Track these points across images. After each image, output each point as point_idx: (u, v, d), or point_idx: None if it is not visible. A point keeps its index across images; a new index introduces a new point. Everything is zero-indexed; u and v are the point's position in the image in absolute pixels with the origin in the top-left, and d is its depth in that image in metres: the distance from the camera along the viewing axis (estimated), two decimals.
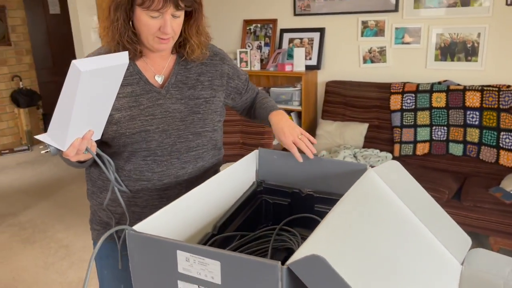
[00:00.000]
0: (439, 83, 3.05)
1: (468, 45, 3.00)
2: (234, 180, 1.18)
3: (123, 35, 1.08)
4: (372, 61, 3.38)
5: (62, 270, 2.60)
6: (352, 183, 0.94)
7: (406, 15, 3.16)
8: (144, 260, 0.79)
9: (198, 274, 0.74)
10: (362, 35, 3.37)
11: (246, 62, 3.69)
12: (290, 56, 3.61)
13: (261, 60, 3.76)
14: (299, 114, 3.57)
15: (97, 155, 1.00)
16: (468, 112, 2.87)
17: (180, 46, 1.17)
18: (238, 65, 3.70)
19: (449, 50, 3.07)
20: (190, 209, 0.98)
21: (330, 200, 1.19)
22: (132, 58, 1.13)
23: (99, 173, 1.21)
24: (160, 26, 1.05)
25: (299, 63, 3.48)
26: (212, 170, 1.27)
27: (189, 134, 1.15)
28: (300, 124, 3.58)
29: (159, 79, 1.17)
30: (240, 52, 3.69)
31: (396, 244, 0.86)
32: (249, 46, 3.84)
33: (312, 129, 3.58)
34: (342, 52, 3.50)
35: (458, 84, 3.00)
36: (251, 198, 1.24)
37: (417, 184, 1.11)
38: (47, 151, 0.95)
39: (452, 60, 3.07)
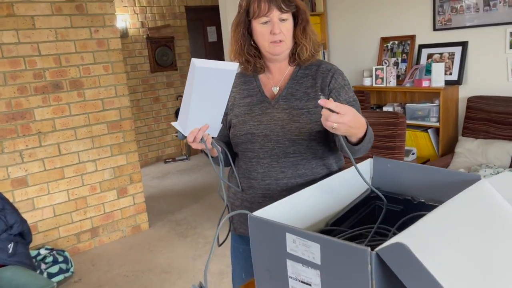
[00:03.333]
0: None
1: None
2: (349, 185, 1.30)
3: (246, 48, 1.31)
4: None
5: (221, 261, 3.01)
6: None
7: None
8: (261, 241, 0.93)
9: (302, 255, 0.83)
10: (511, 47, 3.14)
11: (382, 78, 3.72)
12: (428, 71, 3.53)
13: (398, 76, 3.75)
14: (436, 130, 3.46)
15: (214, 157, 1.23)
16: None
17: (293, 54, 1.33)
18: (373, 81, 3.76)
19: None
20: (305, 204, 1.10)
21: None
22: (257, 72, 1.36)
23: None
24: (271, 30, 1.25)
25: (437, 78, 3.39)
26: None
27: (285, 141, 1.28)
28: (437, 142, 3.47)
29: (275, 90, 1.36)
30: (376, 69, 3.75)
31: (499, 251, 0.85)
32: (385, 63, 3.87)
33: (451, 147, 3.43)
34: (486, 66, 3.30)
35: None
36: (365, 202, 1.34)
37: None
38: (176, 135, 1.23)
39: None
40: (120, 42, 3.41)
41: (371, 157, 1.38)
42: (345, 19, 4.19)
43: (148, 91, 5.67)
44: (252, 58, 1.34)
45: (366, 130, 1.17)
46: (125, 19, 5.37)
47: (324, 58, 4.29)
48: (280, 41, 1.27)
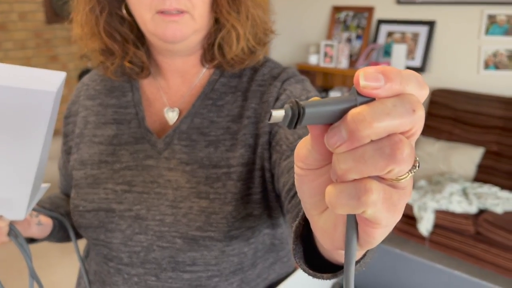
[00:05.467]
0: None
1: None
2: None
3: (104, 24, 0.64)
4: (497, 68, 2.63)
5: None
6: None
7: None
8: None
9: None
10: (486, 33, 2.62)
11: (331, 57, 3.09)
12: (387, 53, 2.96)
13: (350, 56, 3.13)
14: None
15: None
16: None
17: (211, 45, 0.66)
18: (321, 60, 3.12)
19: None
20: None
21: None
22: (134, 77, 0.69)
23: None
24: None
25: (398, 62, 2.83)
26: None
27: (176, 237, 0.62)
28: None
29: (170, 116, 0.68)
30: (325, 45, 3.09)
31: None
32: (336, 38, 3.22)
33: None
34: (456, 53, 2.78)
35: None
36: None
37: None
38: None
39: None
40: None
41: None
42: None
43: (43, 47, 4.60)
44: (120, 46, 0.66)
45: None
46: None
47: None
48: (179, 11, 0.60)
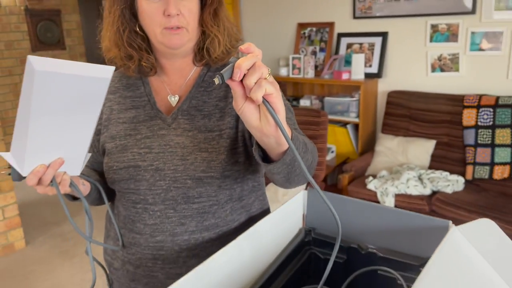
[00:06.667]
0: None
1: None
2: (277, 229, 0.94)
3: (127, 37, 0.91)
4: (442, 70, 2.99)
5: None
6: (428, 244, 0.79)
7: (485, 17, 2.75)
8: None
9: None
10: (431, 40, 3.00)
11: (299, 69, 3.42)
12: (348, 62, 3.30)
13: (316, 67, 3.47)
14: (356, 126, 3.25)
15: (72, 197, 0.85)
16: None
17: (200, 49, 0.95)
18: (290, 72, 3.45)
19: None
20: (221, 272, 0.78)
21: (399, 264, 0.92)
22: (145, 74, 0.96)
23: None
24: (164, 9, 0.85)
25: (357, 70, 3.17)
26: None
27: (187, 179, 0.89)
28: (357, 138, 3.26)
29: (173, 100, 0.96)
30: (293, 58, 3.43)
31: None
32: (302, 52, 3.57)
33: (370, 144, 3.25)
34: (407, 59, 3.14)
35: None
36: (297, 251, 0.98)
37: None
38: (8, 173, 0.75)
39: None
40: None
41: (305, 189, 1.02)
42: (260, 1, 3.80)
43: None
44: (137, 52, 0.92)
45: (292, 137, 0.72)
46: None
47: None
48: (179, 27, 0.87)
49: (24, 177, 0.76)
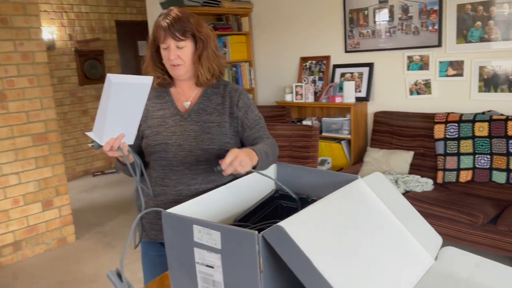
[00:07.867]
0: (483, 113, 3.17)
1: (511, 77, 3.10)
2: (255, 187, 1.49)
3: (155, 66, 1.44)
4: (418, 93, 3.57)
5: (135, 269, 3.08)
6: None
7: (449, 49, 3.34)
8: (173, 235, 1.02)
9: (206, 242, 0.96)
10: (408, 69, 3.59)
11: (301, 95, 4.05)
12: (341, 89, 3.89)
13: (315, 93, 4.10)
14: (348, 142, 3.83)
15: (131, 164, 1.30)
16: (511, 141, 2.95)
17: (196, 76, 1.44)
18: (294, 97, 4.07)
19: (492, 82, 3.19)
20: (215, 204, 1.23)
21: None
22: (167, 87, 1.49)
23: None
24: (170, 54, 1.37)
25: (349, 95, 3.77)
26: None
27: (198, 150, 1.39)
28: (349, 152, 3.84)
29: (186, 105, 1.47)
30: (296, 86, 4.07)
31: (372, 234, 0.99)
32: (304, 81, 4.21)
33: (360, 156, 3.81)
34: (389, 85, 3.73)
35: (502, 114, 3.10)
36: (269, 201, 1.56)
37: (399, 193, 1.35)
38: (92, 145, 1.29)
39: (496, 91, 3.18)
40: (46, 56, 3.43)
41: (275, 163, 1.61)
42: (269, 39, 4.50)
43: (76, 103, 5.60)
44: (160, 74, 1.46)
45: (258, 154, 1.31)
46: (52, 31, 5.30)
47: (250, 75, 4.57)
48: (178, 65, 1.39)
49: (101, 146, 1.21)
